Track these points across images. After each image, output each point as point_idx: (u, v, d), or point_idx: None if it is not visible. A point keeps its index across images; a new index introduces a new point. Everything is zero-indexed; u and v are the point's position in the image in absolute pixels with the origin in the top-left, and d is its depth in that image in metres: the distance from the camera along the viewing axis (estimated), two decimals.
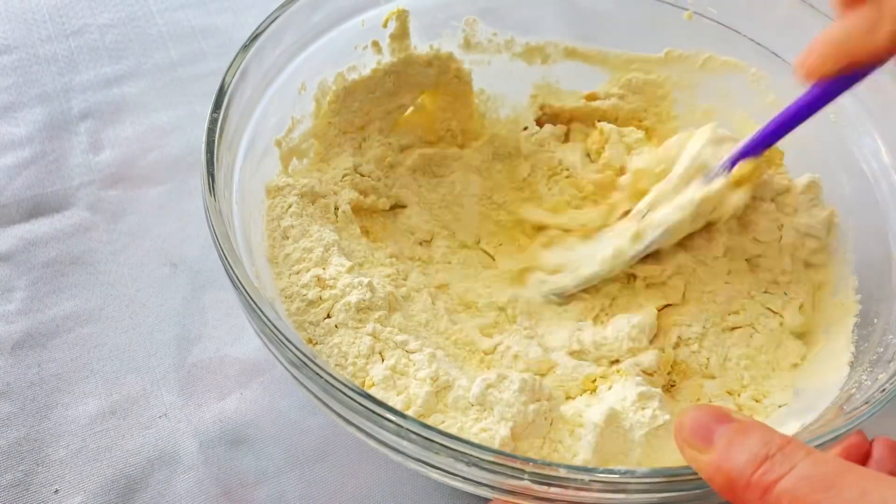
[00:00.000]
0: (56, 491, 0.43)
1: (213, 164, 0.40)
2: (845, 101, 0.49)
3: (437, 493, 0.45)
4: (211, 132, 0.41)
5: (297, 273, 0.44)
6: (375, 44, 0.53)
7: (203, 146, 0.41)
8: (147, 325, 0.51)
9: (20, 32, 0.67)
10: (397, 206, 0.53)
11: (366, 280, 0.43)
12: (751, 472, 0.27)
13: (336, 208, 0.49)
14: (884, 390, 0.36)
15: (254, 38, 0.46)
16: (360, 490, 0.45)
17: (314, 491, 0.44)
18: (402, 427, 0.32)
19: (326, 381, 0.33)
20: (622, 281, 0.50)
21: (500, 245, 0.53)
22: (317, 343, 0.42)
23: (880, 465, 0.37)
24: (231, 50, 0.67)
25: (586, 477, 0.31)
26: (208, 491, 0.44)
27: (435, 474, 0.34)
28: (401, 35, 0.53)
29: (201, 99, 0.65)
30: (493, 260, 0.53)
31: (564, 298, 0.49)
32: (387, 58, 0.54)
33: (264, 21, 0.47)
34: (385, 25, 0.53)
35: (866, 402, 0.35)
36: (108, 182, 0.58)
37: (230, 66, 0.44)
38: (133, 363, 0.49)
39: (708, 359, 0.46)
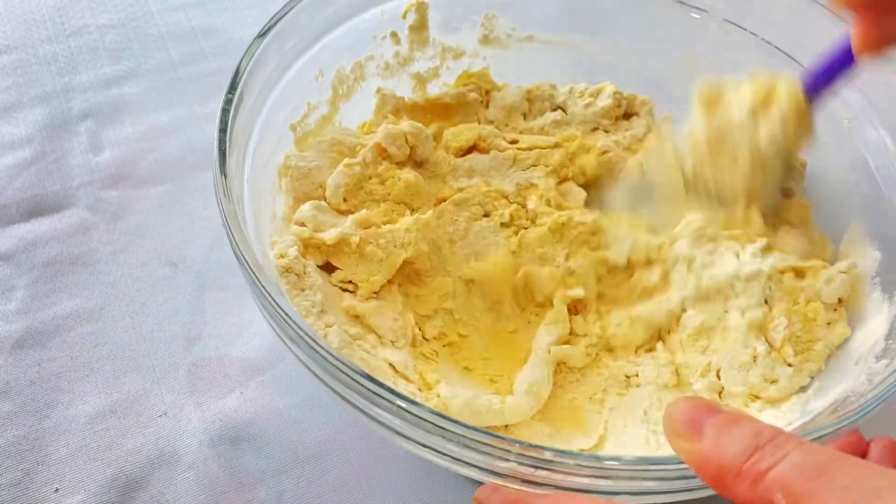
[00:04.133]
0: (56, 490, 0.43)
1: (225, 142, 0.40)
2: (852, 97, 0.49)
3: (437, 491, 0.45)
4: (225, 112, 0.41)
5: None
6: (394, 34, 0.54)
7: (216, 124, 0.41)
8: (147, 324, 0.51)
9: (20, 33, 0.67)
10: None
11: None
12: (741, 461, 0.26)
13: None
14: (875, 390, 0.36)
15: (271, 25, 0.46)
16: (360, 489, 0.45)
17: (314, 490, 0.44)
18: (394, 405, 0.32)
19: (325, 358, 0.33)
20: None
21: None
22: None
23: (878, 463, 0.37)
24: (231, 50, 0.67)
25: (571, 461, 0.31)
26: (208, 490, 0.44)
27: (427, 454, 0.34)
28: (419, 27, 0.54)
29: (201, 99, 0.65)
30: None
31: None
32: (405, 49, 0.54)
33: (283, 8, 0.47)
34: (404, 17, 0.54)
35: (859, 403, 0.35)
36: (109, 182, 0.58)
37: (246, 52, 0.44)
38: (133, 362, 0.49)
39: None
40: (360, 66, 0.54)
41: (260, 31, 0.46)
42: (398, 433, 0.34)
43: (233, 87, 0.43)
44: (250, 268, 0.36)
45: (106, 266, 0.53)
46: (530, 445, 0.31)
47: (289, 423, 0.47)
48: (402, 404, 0.32)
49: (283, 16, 0.47)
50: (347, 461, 0.46)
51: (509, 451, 0.31)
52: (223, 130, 0.41)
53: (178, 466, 0.45)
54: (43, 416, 0.46)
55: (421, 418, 0.32)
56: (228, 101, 0.42)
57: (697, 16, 0.55)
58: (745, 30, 0.53)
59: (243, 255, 0.36)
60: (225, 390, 0.48)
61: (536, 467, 0.31)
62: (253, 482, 0.44)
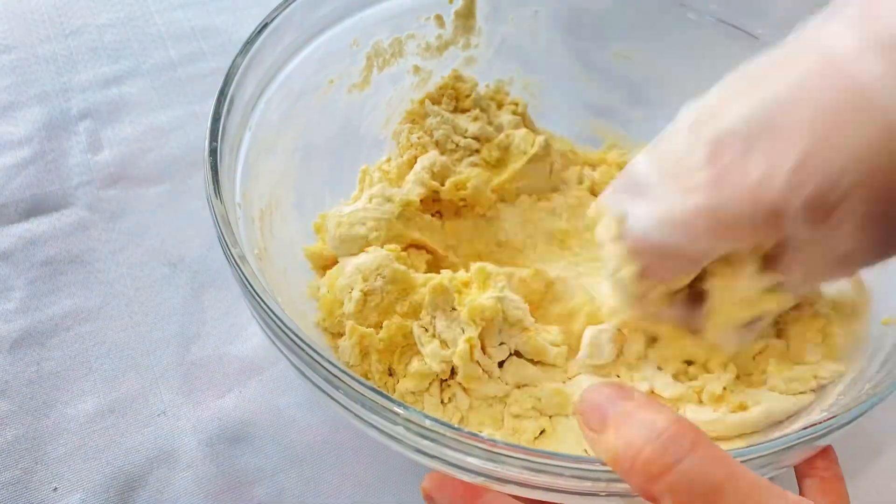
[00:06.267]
0: (55, 489, 0.43)
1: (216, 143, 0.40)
2: None
3: None
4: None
5: None
6: (438, 17, 0.53)
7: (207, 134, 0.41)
8: (146, 323, 0.51)
9: (19, 32, 0.67)
10: None
11: None
12: (634, 457, 0.26)
13: None
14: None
15: (265, 25, 0.45)
16: (359, 488, 0.45)
17: (312, 488, 0.44)
18: (399, 416, 0.31)
19: (329, 371, 0.33)
20: None
21: None
22: None
23: None
24: (231, 50, 0.66)
25: (451, 434, 0.30)
26: (207, 489, 0.44)
27: (424, 460, 0.34)
28: (466, 14, 0.53)
29: (201, 99, 0.65)
30: None
31: None
32: (448, 32, 0.54)
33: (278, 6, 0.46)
34: (451, 1, 0.53)
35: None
36: (107, 181, 0.58)
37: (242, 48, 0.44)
38: (132, 361, 0.49)
39: None
40: (400, 42, 0.53)
41: (255, 31, 0.45)
42: (402, 442, 0.33)
43: (228, 82, 0.42)
44: (246, 279, 0.35)
45: (105, 265, 0.54)
46: (415, 412, 0.30)
47: (287, 422, 0.47)
48: (408, 414, 0.31)
49: (279, 14, 0.46)
50: (346, 460, 0.46)
51: (397, 415, 0.31)
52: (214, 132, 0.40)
53: (176, 465, 0.45)
54: (41, 416, 0.46)
55: (419, 425, 0.31)
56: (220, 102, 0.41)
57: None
58: (739, 28, 0.53)
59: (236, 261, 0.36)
60: (223, 389, 0.48)
61: (423, 437, 0.30)
62: (251, 481, 0.44)
